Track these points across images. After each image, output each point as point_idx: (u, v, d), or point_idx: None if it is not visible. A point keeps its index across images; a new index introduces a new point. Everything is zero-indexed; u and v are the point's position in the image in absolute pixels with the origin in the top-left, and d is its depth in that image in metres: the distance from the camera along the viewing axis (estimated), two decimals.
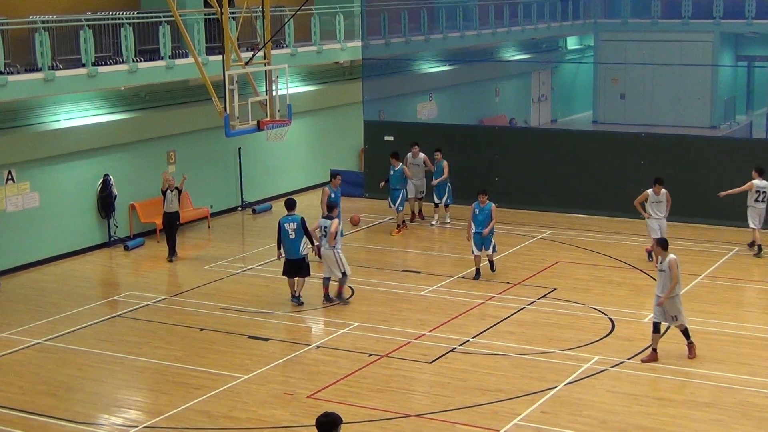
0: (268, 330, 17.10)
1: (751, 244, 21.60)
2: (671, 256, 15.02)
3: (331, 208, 18.56)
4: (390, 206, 23.83)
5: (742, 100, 41.43)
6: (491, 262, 19.89)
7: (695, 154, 24.12)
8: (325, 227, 18.20)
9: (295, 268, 18.14)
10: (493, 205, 19.66)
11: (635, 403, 13.72)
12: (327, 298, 18.38)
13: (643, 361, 15.17)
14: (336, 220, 18.30)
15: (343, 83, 30.36)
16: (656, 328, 15.17)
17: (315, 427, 8.15)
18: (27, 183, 21.27)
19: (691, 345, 15.33)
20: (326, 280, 18.45)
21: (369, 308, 18.24)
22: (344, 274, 18.29)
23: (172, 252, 21.77)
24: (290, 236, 17.89)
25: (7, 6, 21.15)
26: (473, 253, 19.66)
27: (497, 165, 26.09)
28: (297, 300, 18.24)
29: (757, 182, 21.17)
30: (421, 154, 24.23)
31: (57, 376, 15.29)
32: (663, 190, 20.27)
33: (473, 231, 19.51)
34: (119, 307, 18.65)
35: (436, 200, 24.08)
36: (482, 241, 19.53)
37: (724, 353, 15.70)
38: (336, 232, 18.17)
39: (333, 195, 20.78)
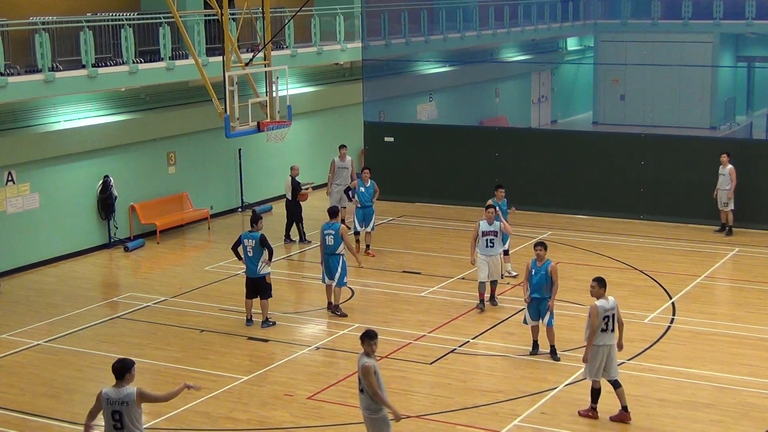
0: (267, 331, 17.10)
1: (722, 227, 22.95)
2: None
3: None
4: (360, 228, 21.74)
5: (742, 100, 41.40)
6: (553, 349, 15.61)
7: (695, 155, 24.11)
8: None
9: (255, 288, 17.19)
10: (553, 262, 15.44)
11: (635, 404, 13.71)
12: (492, 300, 18.12)
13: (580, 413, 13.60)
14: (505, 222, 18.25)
15: (343, 84, 30.36)
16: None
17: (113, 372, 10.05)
18: (27, 184, 21.27)
19: (594, 410, 13.42)
20: (493, 283, 18.10)
21: (369, 309, 18.25)
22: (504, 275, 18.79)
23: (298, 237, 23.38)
24: (249, 253, 17.02)
25: (7, 7, 21.17)
26: (526, 323, 15.82)
27: (497, 166, 26.09)
28: (267, 323, 17.20)
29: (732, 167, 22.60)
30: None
31: (57, 377, 15.30)
32: None
33: (529, 295, 15.43)
34: (119, 309, 18.66)
35: (506, 247, 19.40)
36: (538, 309, 15.52)
37: (725, 354, 15.71)
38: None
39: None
